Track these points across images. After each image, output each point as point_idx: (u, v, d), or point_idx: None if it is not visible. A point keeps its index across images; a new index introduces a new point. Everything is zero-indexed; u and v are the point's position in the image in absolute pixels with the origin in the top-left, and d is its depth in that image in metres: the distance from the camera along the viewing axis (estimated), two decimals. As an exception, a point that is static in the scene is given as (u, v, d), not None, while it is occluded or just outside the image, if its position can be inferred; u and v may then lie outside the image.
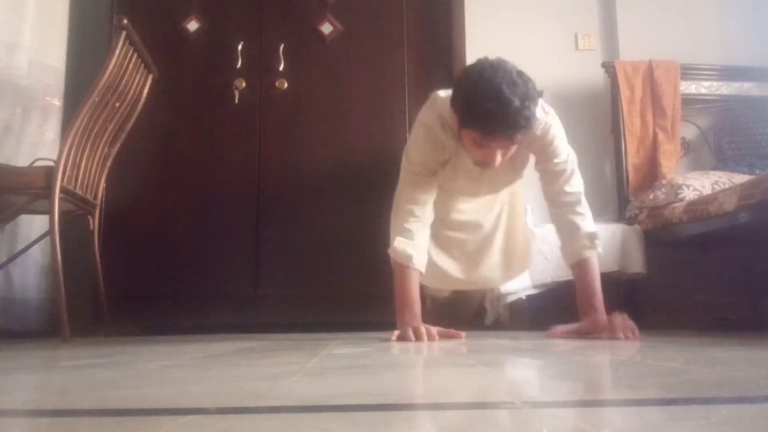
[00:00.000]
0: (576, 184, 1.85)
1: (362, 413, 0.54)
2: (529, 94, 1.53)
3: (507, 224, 2.15)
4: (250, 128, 2.66)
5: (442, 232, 2.05)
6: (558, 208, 1.84)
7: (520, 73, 1.56)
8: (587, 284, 1.73)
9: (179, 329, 2.48)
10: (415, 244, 1.78)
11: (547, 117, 1.80)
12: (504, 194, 2.14)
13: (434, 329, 1.58)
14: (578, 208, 1.82)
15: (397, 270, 1.78)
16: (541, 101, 1.69)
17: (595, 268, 1.76)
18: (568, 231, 1.81)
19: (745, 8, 3.11)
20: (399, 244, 1.78)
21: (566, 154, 1.83)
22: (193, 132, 2.66)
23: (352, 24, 2.75)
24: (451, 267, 2.07)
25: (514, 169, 1.94)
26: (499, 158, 1.65)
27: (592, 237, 1.77)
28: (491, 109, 1.51)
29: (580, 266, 1.76)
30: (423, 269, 1.80)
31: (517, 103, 1.50)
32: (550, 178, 1.84)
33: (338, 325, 2.37)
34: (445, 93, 1.79)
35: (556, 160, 1.82)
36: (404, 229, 1.80)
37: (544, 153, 1.83)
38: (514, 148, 1.68)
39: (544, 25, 3.09)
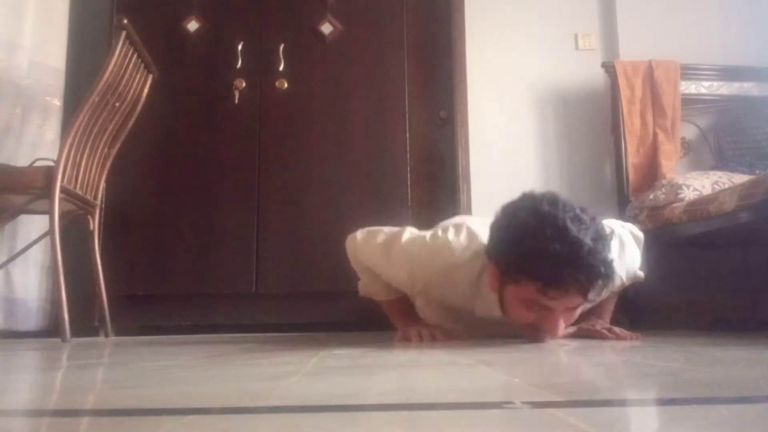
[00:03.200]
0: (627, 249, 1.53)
1: (362, 413, 0.54)
2: (600, 233, 1.23)
3: None
4: (250, 128, 2.66)
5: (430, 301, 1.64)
6: None
7: (583, 209, 1.26)
8: (602, 302, 1.60)
9: (179, 329, 2.48)
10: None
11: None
12: None
13: (437, 331, 1.58)
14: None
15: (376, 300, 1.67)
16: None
17: (615, 297, 1.64)
18: None
19: (745, 8, 3.11)
20: (368, 282, 1.61)
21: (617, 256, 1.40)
22: (193, 132, 2.66)
23: (352, 24, 2.75)
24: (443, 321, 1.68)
25: None
26: (562, 325, 1.28)
27: (631, 278, 1.58)
28: (557, 252, 1.17)
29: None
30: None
31: (589, 243, 1.18)
32: None
33: (338, 325, 2.37)
34: (468, 226, 1.47)
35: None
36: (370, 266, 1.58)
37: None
38: (579, 311, 1.33)
39: (544, 25, 3.08)
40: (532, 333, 1.35)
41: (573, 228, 1.18)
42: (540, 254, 1.19)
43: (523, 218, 1.25)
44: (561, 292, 1.22)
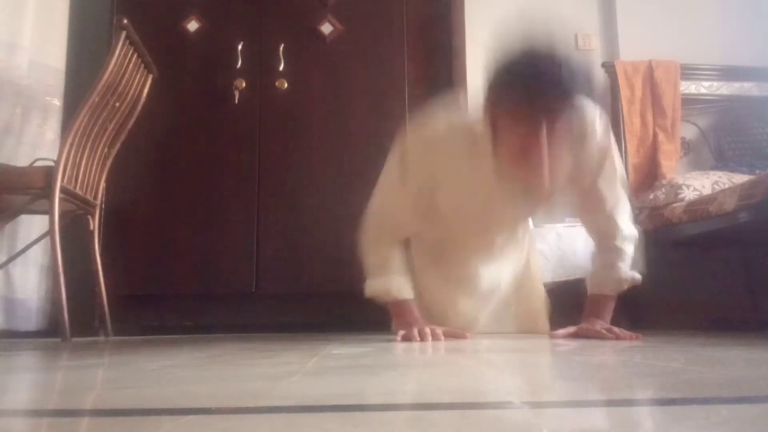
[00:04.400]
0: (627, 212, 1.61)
1: (362, 413, 0.54)
2: (576, 60, 1.29)
3: (522, 286, 1.85)
4: (250, 128, 2.66)
5: (428, 282, 1.76)
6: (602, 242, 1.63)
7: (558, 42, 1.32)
8: (601, 302, 1.64)
9: (179, 329, 2.48)
10: (393, 279, 1.63)
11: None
12: (522, 240, 1.80)
13: (439, 329, 1.58)
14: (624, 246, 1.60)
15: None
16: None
17: (614, 297, 1.66)
18: (605, 267, 1.62)
19: (745, 8, 3.11)
20: (376, 282, 1.64)
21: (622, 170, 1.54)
22: (193, 132, 2.66)
23: (352, 24, 2.75)
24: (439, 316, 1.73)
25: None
26: (545, 145, 1.29)
27: (628, 281, 1.62)
28: (535, 70, 1.25)
29: (601, 294, 1.64)
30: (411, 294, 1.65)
31: (574, 64, 1.26)
32: (596, 202, 1.57)
33: (338, 325, 2.37)
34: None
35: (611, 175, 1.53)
36: (378, 264, 1.64)
37: (599, 164, 1.52)
38: (567, 161, 1.37)
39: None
40: (524, 173, 1.37)
41: (548, 53, 1.26)
42: (516, 74, 1.27)
43: (500, 53, 1.32)
44: (541, 110, 1.27)
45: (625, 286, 1.65)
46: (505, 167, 1.42)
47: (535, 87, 1.26)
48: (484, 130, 1.42)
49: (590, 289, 1.68)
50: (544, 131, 1.29)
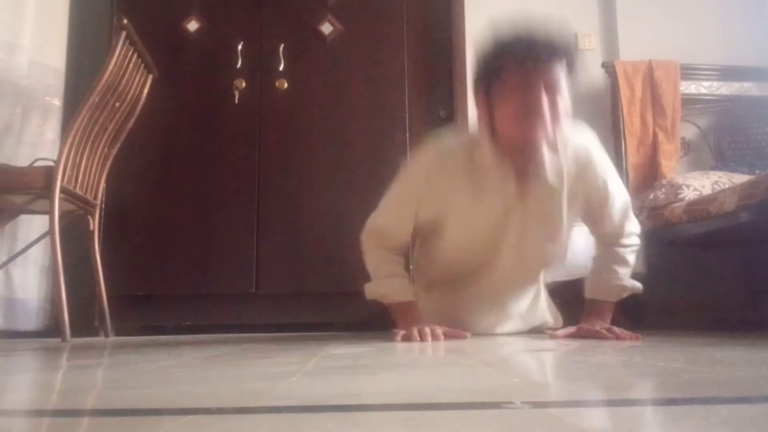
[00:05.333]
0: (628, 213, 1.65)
1: (362, 413, 0.54)
2: (559, 31, 1.42)
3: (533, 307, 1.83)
4: (250, 128, 2.66)
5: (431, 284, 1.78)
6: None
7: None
8: (601, 304, 1.65)
9: (179, 329, 2.49)
10: (393, 281, 1.64)
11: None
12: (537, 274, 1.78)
13: (439, 329, 1.57)
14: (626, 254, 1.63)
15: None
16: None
17: (614, 303, 1.67)
18: (605, 269, 1.64)
19: (745, 8, 3.11)
20: (376, 285, 1.65)
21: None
22: (193, 132, 2.66)
23: (352, 24, 2.75)
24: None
25: (559, 204, 1.54)
26: (545, 102, 1.38)
27: (628, 290, 1.64)
28: (519, 38, 1.38)
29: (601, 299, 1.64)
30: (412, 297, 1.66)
31: (546, 31, 1.39)
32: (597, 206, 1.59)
33: (338, 325, 2.37)
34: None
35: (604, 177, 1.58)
36: (377, 267, 1.66)
37: (604, 183, 1.57)
38: (566, 100, 1.42)
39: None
40: (523, 133, 1.43)
41: (530, 27, 1.38)
42: (503, 43, 1.39)
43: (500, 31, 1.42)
44: (538, 62, 1.37)
45: (625, 294, 1.66)
46: (506, 139, 1.47)
47: (518, 45, 1.37)
48: (480, 124, 1.50)
49: (590, 293, 1.68)
50: (538, 83, 1.37)
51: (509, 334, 1.77)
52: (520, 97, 1.39)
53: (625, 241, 1.65)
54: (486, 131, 1.50)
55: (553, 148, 1.50)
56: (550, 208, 1.56)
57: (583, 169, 1.55)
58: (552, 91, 1.39)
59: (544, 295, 1.87)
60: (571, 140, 1.53)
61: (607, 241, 1.67)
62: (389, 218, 1.67)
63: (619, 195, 1.63)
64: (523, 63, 1.37)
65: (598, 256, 1.71)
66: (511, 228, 1.58)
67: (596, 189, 1.58)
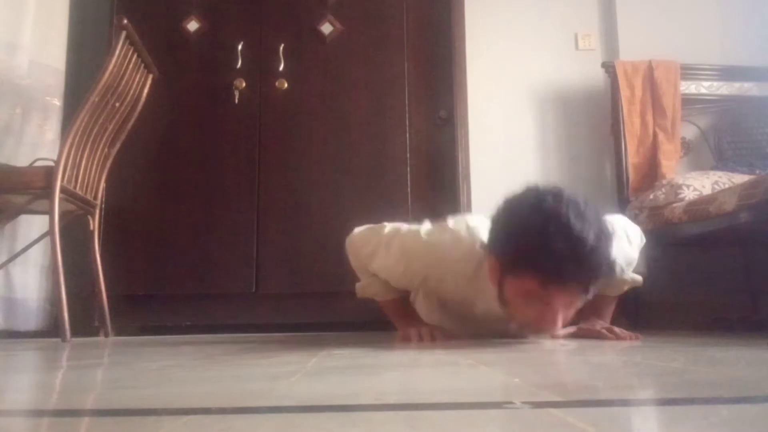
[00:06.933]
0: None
1: (362, 413, 0.54)
2: (603, 230, 1.22)
3: None
4: (250, 128, 2.66)
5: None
6: None
7: (587, 203, 1.24)
8: (602, 303, 1.63)
9: (179, 329, 2.49)
10: (378, 279, 1.60)
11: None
12: None
13: (437, 330, 1.58)
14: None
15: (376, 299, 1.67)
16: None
17: (615, 298, 1.66)
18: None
19: (745, 8, 3.11)
20: (367, 284, 1.62)
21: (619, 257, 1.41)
22: (193, 132, 2.66)
23: (352, 24, 2.75)
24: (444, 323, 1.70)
25: None
26: (560, 321, 1.27)
27: (629, 282, 1.62)
28: (560, 249, 1.16)
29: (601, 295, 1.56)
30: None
31: (592, 240, 1.17)
32: None
33: (338, 325, 2.37)
34: (467, 221, 1.51)
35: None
36: (363, 267, 1.61)
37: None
38: (578, 306, 1.32)
39: (544, 25, 3.08)
40: (531, 327, 1.36)
41: (576, 225, 1.17)
42: (543, 250, 1.18)
43: (526, 213, 1.23)
44: (562, 288, 1.22)
45: (626, 288, 1.65)
46: (510, 311, 1.35)
47: (561, 270, 1.19)
48: (488, 268, 1.35)
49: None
50: (559, 308, 1.25)
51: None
52: (532, 304, 1.27)
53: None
54: (494, 287, 1.35)
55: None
56: None
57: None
58: (568, 307, 1.29)
59: None
60: None
61: None
62: (379, 270, 1.59)
63: (626, 262, 1.57)
64: (546, 285, 1.22)
65: None
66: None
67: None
